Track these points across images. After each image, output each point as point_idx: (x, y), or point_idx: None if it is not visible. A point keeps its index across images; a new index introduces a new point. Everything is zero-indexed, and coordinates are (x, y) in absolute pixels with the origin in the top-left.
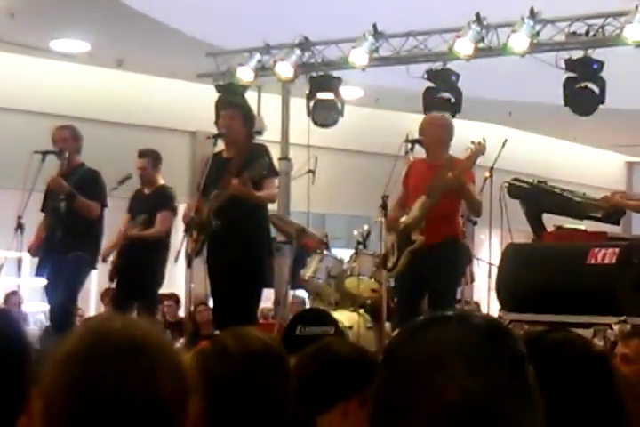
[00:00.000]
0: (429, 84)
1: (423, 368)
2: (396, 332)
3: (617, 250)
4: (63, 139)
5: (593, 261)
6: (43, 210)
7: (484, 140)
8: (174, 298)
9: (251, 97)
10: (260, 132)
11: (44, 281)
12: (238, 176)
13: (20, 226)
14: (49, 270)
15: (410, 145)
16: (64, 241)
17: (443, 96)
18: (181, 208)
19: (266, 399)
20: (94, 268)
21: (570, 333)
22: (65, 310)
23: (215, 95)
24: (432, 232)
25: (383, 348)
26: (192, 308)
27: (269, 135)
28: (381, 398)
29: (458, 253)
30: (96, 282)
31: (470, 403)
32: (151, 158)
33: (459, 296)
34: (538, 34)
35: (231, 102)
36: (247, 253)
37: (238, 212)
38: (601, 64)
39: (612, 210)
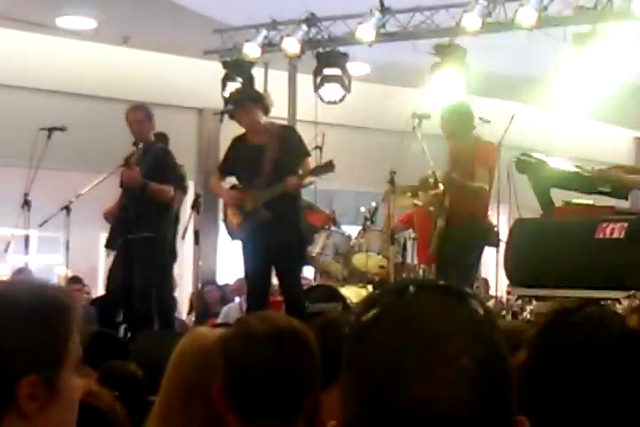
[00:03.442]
0: (436, 59)
1: (432, 336)
2: (373, 297)
3: (625, 224)
4: (139, 121)
5: (601, 236)
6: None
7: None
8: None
9: (257, 73)
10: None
11: (49, 258)
12: (277, 165)
13: (26, 203)
14: (123, 251)
15: (417, 120)
16: (135, 220)
17: (450, 71)
18: (190, 185)
19: (292, 382)
20: (166, 244)
21: (603, 308)
22: (146, 300)
23: (222, 72)
24: (453, 213)
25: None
26: (199, 285)
27: (276, 112)
28: (385, 365)
29: (474, 232)
30: (104, 260)
31: (483, 369)
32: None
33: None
34: (545, 8)
35: (235, 106)
36: (297, 236)
37: (287, 202)
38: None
39: (618, 185)
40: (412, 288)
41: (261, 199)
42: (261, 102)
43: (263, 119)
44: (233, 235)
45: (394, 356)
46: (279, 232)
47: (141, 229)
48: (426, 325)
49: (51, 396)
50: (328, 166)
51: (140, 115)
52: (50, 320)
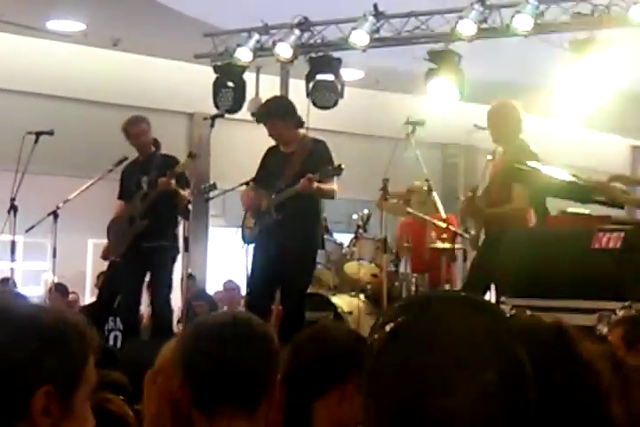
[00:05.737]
0: (431, 65)
1: (457, 349)
2: (394, 311)
3: (622, 234)
4: (143, 132)
5: (597, 246)
6: (121, 197)
7: None
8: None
9: (249, 78)
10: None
11: (35, 265)
12: (300, 171)
13: (13, 208)
14: (132, 260)
15: (411, 127)
16: (152, 229)
17: (445, 78)
18: None
19: (245, 372)
20: (178, 252)
21: (520, 313)
22: (167, 308)
23: (213, 76)
24: (489, 225)
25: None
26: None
27: None
28: (411, 378)
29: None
30: (91, 266)
31: (505, 383)
32: None
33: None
34: (542, 14)
35: (264, 115)
36: (306, 245)
37: (299, 207)
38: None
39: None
40: (433, 301)
41: (275, 201)
42: (290, 117)
43: (293, 132)
44: (245, 238)
45: (418, 369)
46: (288, 236)
47: (158, 237)
48: (448, 338)
49: (64, 414)
50: (336, 169)
51: (143, 126)
52: (68, 339)
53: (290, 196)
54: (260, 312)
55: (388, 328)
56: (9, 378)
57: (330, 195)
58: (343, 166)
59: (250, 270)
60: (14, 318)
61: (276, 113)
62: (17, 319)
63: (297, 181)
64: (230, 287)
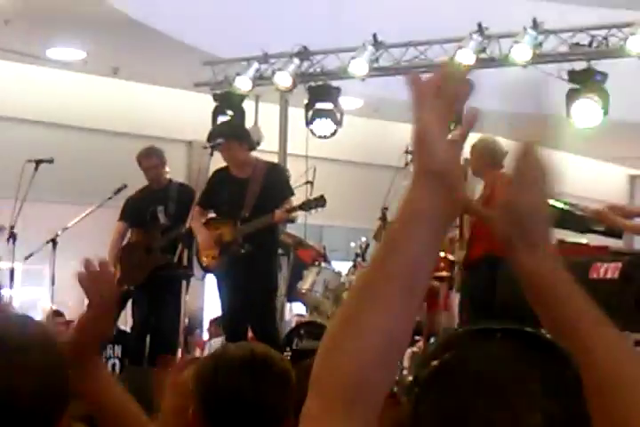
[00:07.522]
0: None
1: (500, 389)
2: (434, 346)
3: (619, 265)
4: (154, 166)
5: (595, 276)
6: (131, 226)
7: None
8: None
9: (248, 107)
10: (257, 143)
11: (33, 292)
12: (261, 199)
13: (12, 236)
14: (145, 288)
15: (410, 156)
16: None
17: None
18: None
19: (262, 408)
20: (193, 275)
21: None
22: (176, 337)
23: (212, 104)
24: (472, 249)
25: (426, 360)
26: (186, 321)
27: (267, 145)
28: (453, 418)
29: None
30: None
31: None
32: None
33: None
34: (540, 44)
35: (220, 137)
36: (270, 284)
37: (265, 240)
38: (604, 76)
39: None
40: (481, 335)
41: (242, 231)
42: (245, 139)
43: (248, 155)
44: (206, 269)
45: (460, 411)
46: (259, 265)
47: (178, 266)
48: (494, 377)
49: None
50: (319, 201)
51: (154, 161)
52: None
53: (260, 226)
54: (237, 335)
55: (432, 365)
56: (46, 406)
57: (294, 220)
58: (325, 196)
59: (221, 302)
60: (44, 342)
61: (233, 135)
62: (46, 343)
63: (260, 208)
64: None
